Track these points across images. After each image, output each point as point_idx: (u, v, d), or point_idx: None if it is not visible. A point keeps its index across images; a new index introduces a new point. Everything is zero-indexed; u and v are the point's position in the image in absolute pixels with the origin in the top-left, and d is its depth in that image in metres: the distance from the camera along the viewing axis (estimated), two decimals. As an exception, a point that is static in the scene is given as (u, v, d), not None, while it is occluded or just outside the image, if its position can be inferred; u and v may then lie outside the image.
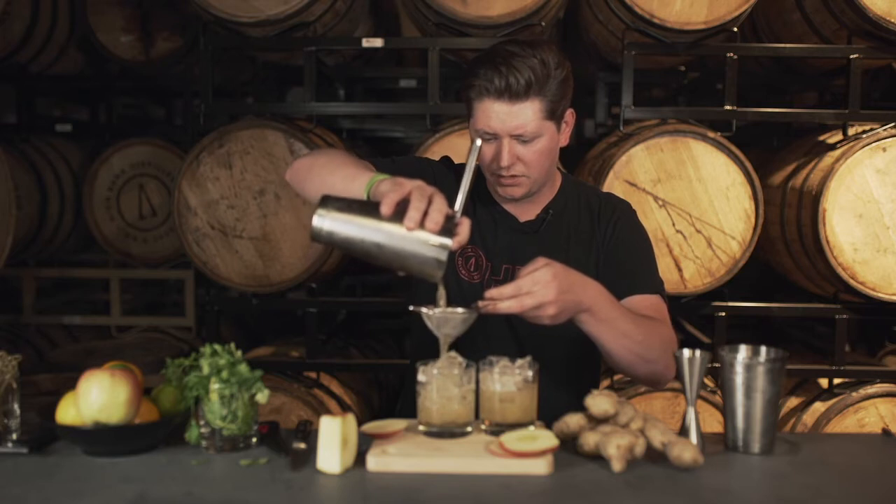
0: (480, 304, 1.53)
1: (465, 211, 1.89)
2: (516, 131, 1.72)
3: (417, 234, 1.46)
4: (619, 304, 1.67)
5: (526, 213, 1.90)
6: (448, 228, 1.48)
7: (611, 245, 1.87)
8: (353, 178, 1.63)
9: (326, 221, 1.50)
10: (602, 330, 1.63)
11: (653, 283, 1.85)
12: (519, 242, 1.86)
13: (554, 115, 1.75)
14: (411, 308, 1.56)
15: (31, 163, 4.21)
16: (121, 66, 4.29)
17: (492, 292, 1.53)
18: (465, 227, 1.50)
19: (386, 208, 1.46)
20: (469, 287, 1.83)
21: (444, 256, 1.47)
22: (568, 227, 1.89)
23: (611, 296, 1.65)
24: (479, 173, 1.90)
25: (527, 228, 1.89)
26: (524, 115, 1.71)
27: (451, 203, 1.53)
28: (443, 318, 1.54)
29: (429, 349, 1.62)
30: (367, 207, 1.51)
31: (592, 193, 1.98)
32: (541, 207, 1.90)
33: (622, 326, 1.64)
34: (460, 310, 1.54)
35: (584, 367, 1.93)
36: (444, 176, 1.92)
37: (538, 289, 1.51)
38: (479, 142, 1.59)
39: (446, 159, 2.01)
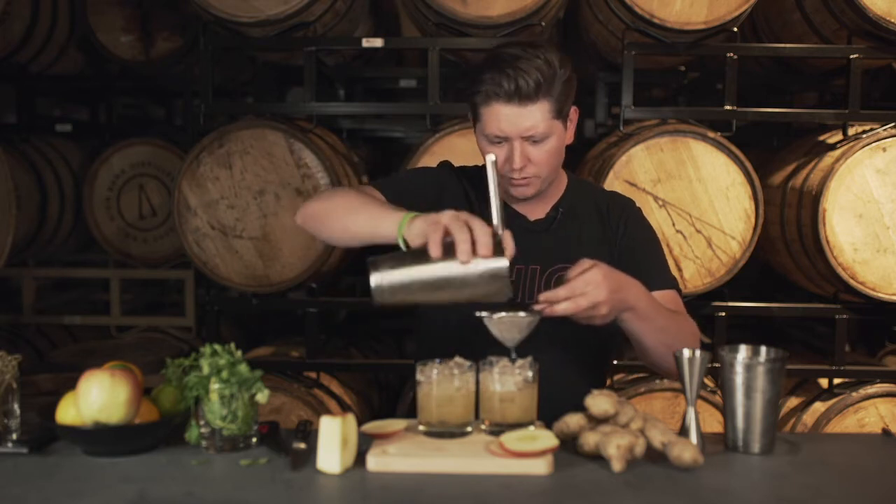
0: (536, 307, 1.54)
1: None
2: (527, 133, 1.73)
3: (475, 265, 1.47)
4: (656, 300, 1.70)
5: (535, 211, 1.91)
6: (497, 246, 1.48)
7: (624, 243, 1.89)
8: (377, 220, 1.61)
9: (385, 281, 1.49)
10: (642, 327, 1.66)
11: (668, 279, 1.88)
12: (530, 242, 1.85)
13: (561, 113, 1.76)
14: (477, 314, 1.55)
15: (31, 163, 4.20)
16: (121, 66, 4.29)
17: (546, 295, 1.54)
18: (509, 240, 1.50)
19: (434, 251, 1.46)
20: None
21: (506, 274, 1.47)
22: (579, 225, 1.90)
23: (649, 293, 1.68)
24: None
25: (538, 227, 1.90)
26: (534, 116, 1.72)
27: (486, 219, 1.51)
28: (510, 322, 1.54)
29: (433, 350, 1.63)
30: (417, 256, 1.50)
31: (598, 191, 2.01)
32: (550, 205, 1.91)
33: (660, 322, 1.68)
34: (522, 314, 1.54)
35: (585, 367, 1.93)
36: (447, 180, 1.92)
37: (591, 289, 1.52)
38: (492, 156, 1.56)
39: (446, 164, 2.00)
